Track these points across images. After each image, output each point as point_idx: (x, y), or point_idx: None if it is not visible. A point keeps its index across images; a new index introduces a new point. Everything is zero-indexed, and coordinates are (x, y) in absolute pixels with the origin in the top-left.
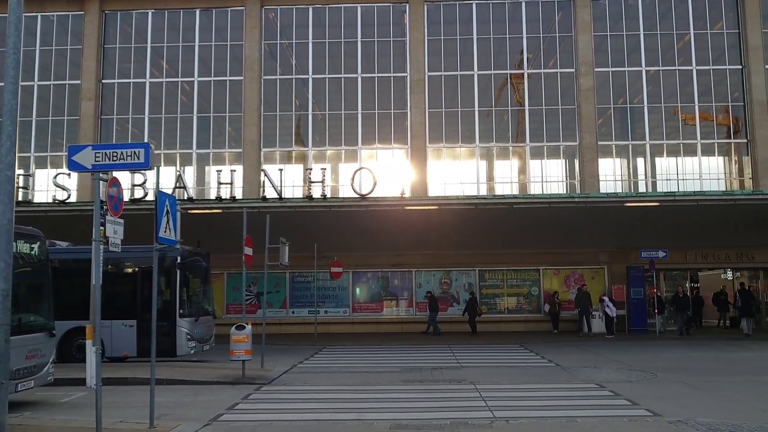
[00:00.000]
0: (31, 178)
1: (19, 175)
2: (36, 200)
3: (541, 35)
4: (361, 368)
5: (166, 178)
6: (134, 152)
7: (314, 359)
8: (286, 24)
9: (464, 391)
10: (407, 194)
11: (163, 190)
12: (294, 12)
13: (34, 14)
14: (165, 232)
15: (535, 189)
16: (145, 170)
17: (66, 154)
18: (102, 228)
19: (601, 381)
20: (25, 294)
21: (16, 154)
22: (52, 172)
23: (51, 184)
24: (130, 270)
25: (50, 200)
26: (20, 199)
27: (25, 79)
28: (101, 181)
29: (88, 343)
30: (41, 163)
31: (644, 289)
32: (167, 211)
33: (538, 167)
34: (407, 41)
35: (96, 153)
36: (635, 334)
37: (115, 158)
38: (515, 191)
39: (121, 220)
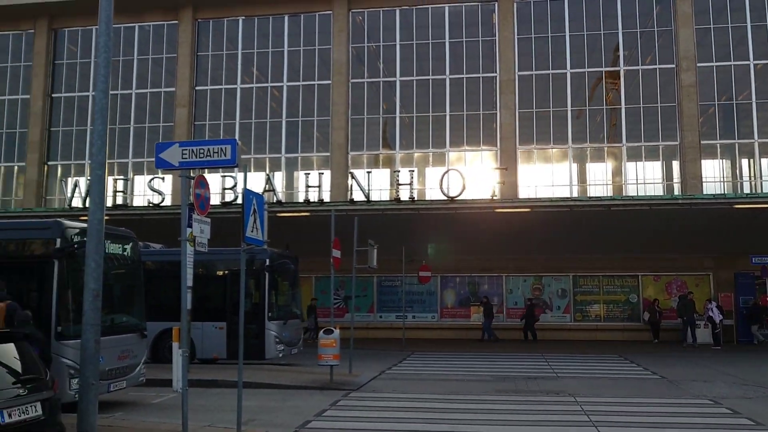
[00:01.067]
0: (129, 183)
1: (117, 179)
2: (134, 204)
3: (638, 30)
4: (452, 376)
5: (255, 182)
6: (221, 149)
7: (403, 365)
8: (374, 27)
9: (563, 403)
10: (497, 196)
11: (249, 189)
12: (381, 15)
13: (131, 25)
14: (252, 231)
15: (631, 191)
16: (231, 167)
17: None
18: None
19: (715, 396)
20: (118, 295)
21: (112, 160)
22: (149, 177)
23: (147, 189)
24: (220, 272)
25: (146, 204)
26: (119, 203)
27: (124, 88)
28: (188, 180)
29: (175, 345)
30: (139, 169)
31: (755, 297)
32: (254, 210)
33: (634, 169)
34: (496, 41)
35: (183, 150)
36: (743, 345)
37: (201, 155)
38: (610, 194)
39: (208, 220)
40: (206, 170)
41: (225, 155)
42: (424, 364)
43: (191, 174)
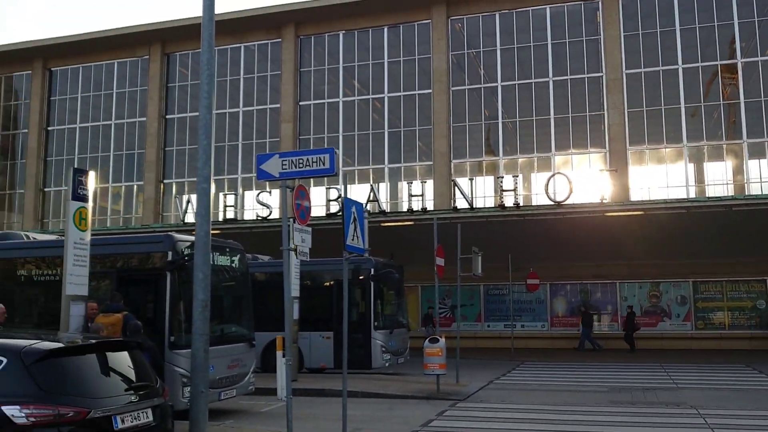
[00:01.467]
0: (238, 198)
1: (228, 194)
2: (244, 218)
3: (756, 20)
4: (563, 386)
5: (359, 194)
6: (319, 158)
7: (512, 375)
8: (473, 33)
9: (685, 416)
10: (607, 200)
11: (349, 198)
12: (480, 20)
13: (237, 45)
14: (353, 239)
15: (754, 190)
16: (330, 175)
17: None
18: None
19: None
20: (227, 305)
21: (222, 176)
22: (257, 191)
23: (256, 203)
24: (327, 282)
25: (255, 217)
26: (230, 217)
27: (232, 106)
28: (288, 190)
29: (279, 354)
30: (248, 185)
31: None
32: (354, 219)
33: (757, 166)
34: (601, 39)
35: (283, 161)
36: None
37: (300, 165)
38: (731, 193)
39: (309, 229)
40: (311, 182)
41: (323, 164)
42: (534, 374)
43: (293, 184)
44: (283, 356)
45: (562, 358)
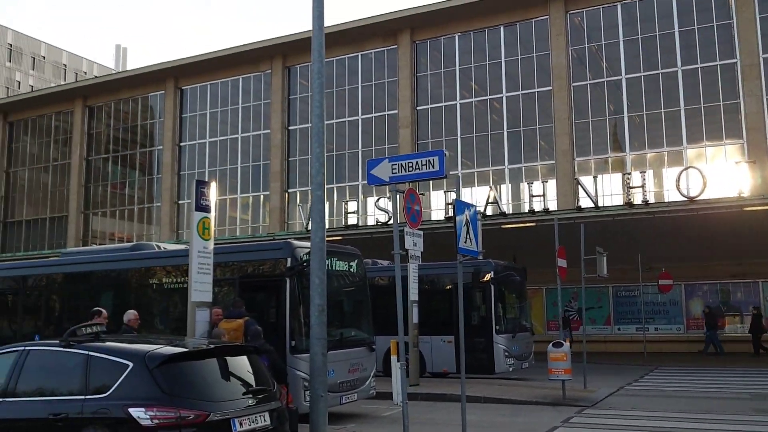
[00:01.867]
0: (359, 204)
1: (349, 201)
2: (367, 224)
3: None
4: (701, 393)
5: (480, 196)
6: (429, 161)
7: (644, 381)
8: (593, 26)
9: None
10: (745, 194)
11: (460, 200)
12: (601, 12)
13: (354, 54)
14: (465, 242)
15: None
16: (440, 178)
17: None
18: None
19: None
20: (346, 310)
21: (343, 184)
22: (377, 197)
23: (376, 209)
24: (446, 286)
25: (375, 223)
26: (351, 223)
27: (351, 114)
28: (399, 193)
29: (393, 358)
30: (369, 191)
31: None
32: (467, 221)
33: None
34: (734, 23)
35: (392, 165)
36: None
37: (410, 168)
38: None
39: (420, 233)
40: (431, 186)
41: (433, 167)
42: (668, 380)
43: (404, 188)
44: (398, 361)
45: (699, 363)
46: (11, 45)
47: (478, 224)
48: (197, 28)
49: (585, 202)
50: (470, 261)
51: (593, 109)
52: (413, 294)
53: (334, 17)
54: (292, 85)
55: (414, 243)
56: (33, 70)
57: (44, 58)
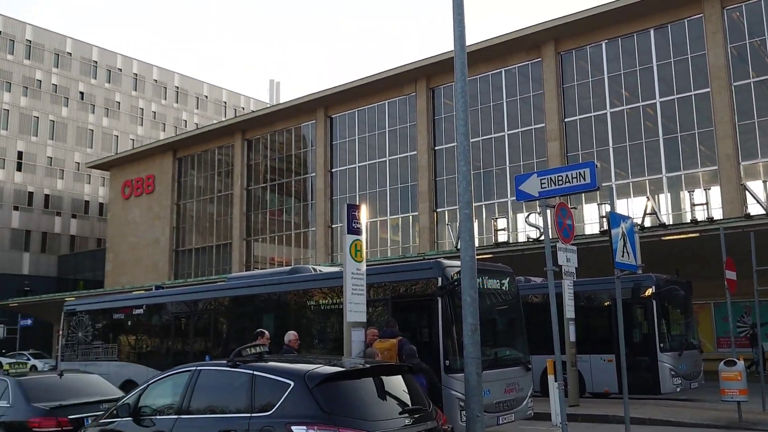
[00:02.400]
0: (509, 221)
1: (499, 218)
2: (517, 241)
3: None
4: None
5: (636, 207)
6: (579, 173)
7: None
8: (755, 20)
9: None
10: None
11: (615, 212)
12: (763, 4)
13: (498, 70)
14: (622, 256)
15: None
16: (592, 190)
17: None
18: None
19: None
20: (499, 329)
21: (492, 201)
22: (527, 213)
23: (526, 225)
24: (604, 302)
25: (525, 239)
26: (501, 240)
27: (497, 131)
28: (549, 208)
29: (550, 378)
30: (518, 207)
31: None
32: (623, 234)
33: None
34: None
35: (541, 180)
36: None
37: (560, 182)
38: None
39: (574, 248)
40: (583, 199)
41: (584, 179)
42: None
43: (554, 203)
44: (555, 380)
45: None
46: (178, 87)
47: (636, 237)
48: (343, 58)
49: (754, 209)
50: (629, 276)
51: (759, 109)
52: (569, 312)
53: (475, 35)
54: (437, 105)
55: (567, 259)
56: (197, 109)
57: (206, 97)
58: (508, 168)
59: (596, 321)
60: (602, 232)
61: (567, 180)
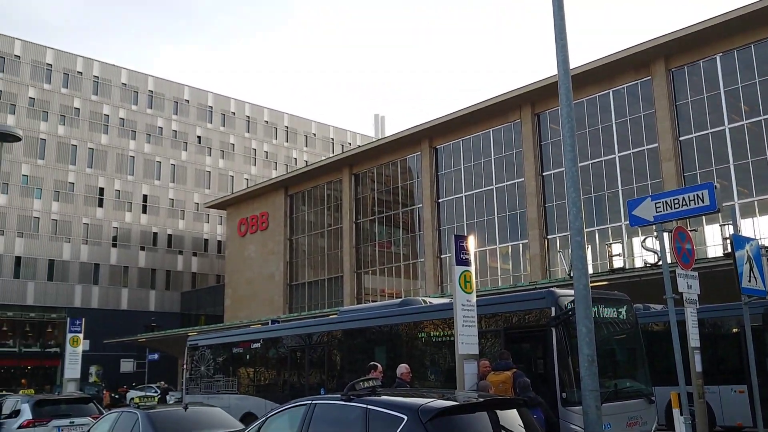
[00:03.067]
0: (624, 246)
1: (613, 243)
2: (634, 266)
3: None
4: None
5: (764, 227)
6: (697, 195)
7: None
8: None
9: None
10: None
11: (739, 234)
12: None
13: (605, 91)
14: (749, 281)
15: None
16: (712, 213)
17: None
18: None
19: None
20: (618, 359)
21: (605, 226)
22: (643, 237)
23: (643, 250)
24: (733, 329)
25: (642, 265)
26: (617, 266)
27: (607, 153)
28: (666, 233)
29: (675, 411)
30: (633, 231)
31: None
32: (748, 257)
33: None
34: None
35: (656, 203)
36: None
37: (676, 205)
38: None
39: (695, 274)
40: (704, 220)
41: (703, 201)
42: None
43: (671, 227)
44: (681, 414)
45: None
46: (287, 127)
47: (763, 260)
48: (445, 89)
49: None
50: (759, 301)
51: None
52: (694, 340)
53: (579, 56)
54: (543, 131)
55: (688, 286)
56: (306, 146)
57: (315, 135)
58: (620, 191)
59: (725, 350)
60: (726, 255)
61: (684, 203)
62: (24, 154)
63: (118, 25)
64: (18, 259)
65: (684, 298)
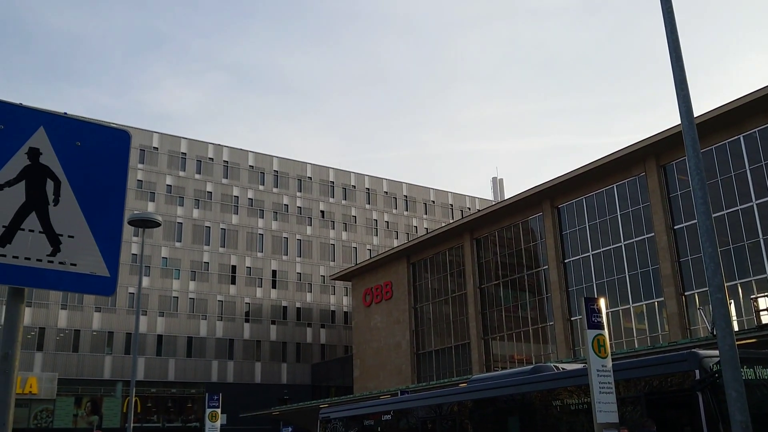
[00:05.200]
0: None
1: (760, 297)
2: None
3: None
4: None
5: None
6: None
7: None
8: None
9: None
10: None
11: None
12: None
13: (735, 137)
14: None
15: None
16: None
17: None
18: None
19: None
20: None
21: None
22: None
23: None
24: None
25: None
26: (765, 322)
27: (743, 202)
28: None
29: None
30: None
31: None
32: None
33: None
34: None
35: None
36: None
37: None
38: None
39: None
40: None
41: None
42: None
43: None
44: None
45: None
46: (407, 196)
47: None
48: (561, 148)
49: None
50: None
51: None
52: None
53: (702, 102)
54: (671, 182)
55: None
56: (426, 214)
57: (434, 202)
58: (762, 240)
59: None
60: None
61: None
62: (163, 238)
63: (242, 112)
64: (159, 337)
65: None
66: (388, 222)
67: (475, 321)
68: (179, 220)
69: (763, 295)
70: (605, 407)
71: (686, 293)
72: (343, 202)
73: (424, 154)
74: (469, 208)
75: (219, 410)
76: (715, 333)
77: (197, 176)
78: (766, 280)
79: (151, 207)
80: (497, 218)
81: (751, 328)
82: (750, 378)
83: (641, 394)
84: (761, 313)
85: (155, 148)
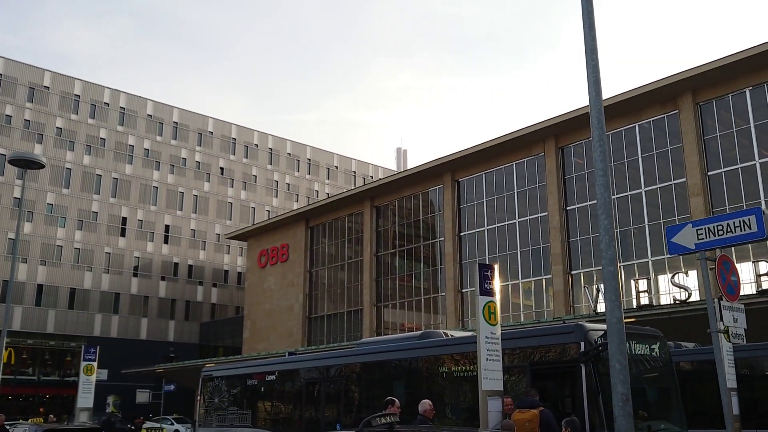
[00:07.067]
0: (651, 283)
1: (639, 280)
2: (660, 303)
3: None
4: None
5: None
6: (743, 222)
7: None
8: None
9: None
10: None
11: None
12: None
13: (631, 125)
14: None
15: None
16: (760, 240)
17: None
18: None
19: None
20: (650, 399)
21: (631, 262)
22: (671, 274)
23: (671, 286)
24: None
25: (671, 302)
26: (644, 303)
27: (633, 188)
28: (708, 262)
29: None
30: (660, 268)
31: None
32: None
33: None
34: None
35: (698, 230)
36: None
37: (720, 232)
38: None
39: (741, 306)
40: (733, 254)
41: (750, 228)
42: None
43: (713, 256)
44: None
45: None
46: (310, 160)
47: None
48: (466, 122)
49: None
50: None
51: None
52: (730, 381)
53: (604, 90)
54: (567, 164)
55: (735, 319)
56: (328, 179)
57: (337, 167)
58: (647, 227)
59: (762, 392)
60: (760, 292)
61: (729, 229)
62: (50, 183)
63: (145, 59)
64: (40, 287)
65: (730, 333)
66: (289, 184)
67: (369, 288)
68: (68, 165)
69: (643, 278)
70: (491, 374)
71: (573, 272)
72: (244, 160)
73: (331, 120)
74: (372, 177)
75: (95, 364)
76: (597, 310)
77: (90, 121)
78: (648, 264)
79: (38, 149)
80: (398, 187)
81: (631, 308)
82: (629, 353)
83: (526, 364)
84: (640, 294)
85: (46, 87)
